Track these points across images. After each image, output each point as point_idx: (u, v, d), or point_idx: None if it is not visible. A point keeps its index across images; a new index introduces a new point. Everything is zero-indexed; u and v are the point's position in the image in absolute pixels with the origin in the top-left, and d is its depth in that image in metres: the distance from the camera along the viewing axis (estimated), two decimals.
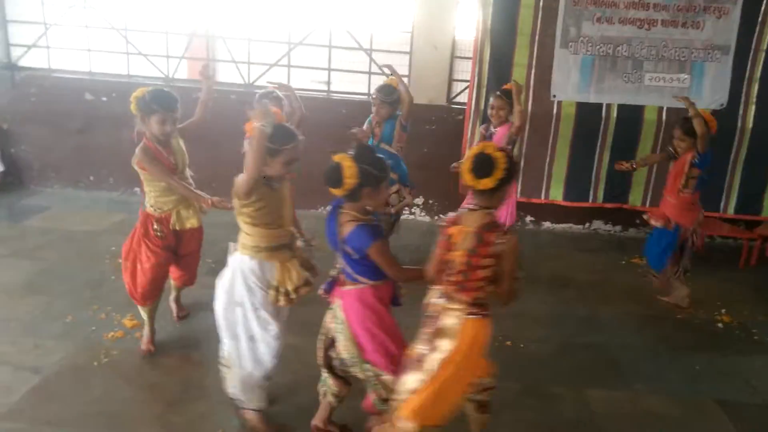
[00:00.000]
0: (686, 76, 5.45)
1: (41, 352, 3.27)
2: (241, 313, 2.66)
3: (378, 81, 5.99)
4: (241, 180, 2.48)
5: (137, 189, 3.63)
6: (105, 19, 5.87)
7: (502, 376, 3.24)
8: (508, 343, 3.67)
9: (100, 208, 5.61)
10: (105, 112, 5.80)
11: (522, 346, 3.66)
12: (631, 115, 5.49)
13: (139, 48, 5.96)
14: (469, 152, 2.34)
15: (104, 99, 5.87)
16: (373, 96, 4.47)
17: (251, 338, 2.67)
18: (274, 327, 2.66)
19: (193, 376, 3.19)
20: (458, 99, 5.91)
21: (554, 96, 5.56)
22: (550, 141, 5.64)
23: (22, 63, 6.04)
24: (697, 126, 3.88)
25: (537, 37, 5.49)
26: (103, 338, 3.46)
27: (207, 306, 3.91)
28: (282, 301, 2.64)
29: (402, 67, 5.93)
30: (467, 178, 2.24)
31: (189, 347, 3.47)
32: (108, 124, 5.70)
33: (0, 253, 4.46)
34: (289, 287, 2.65)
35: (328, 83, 6.01)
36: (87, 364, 3.21)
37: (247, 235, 2.63)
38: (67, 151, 5.94)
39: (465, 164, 2.27)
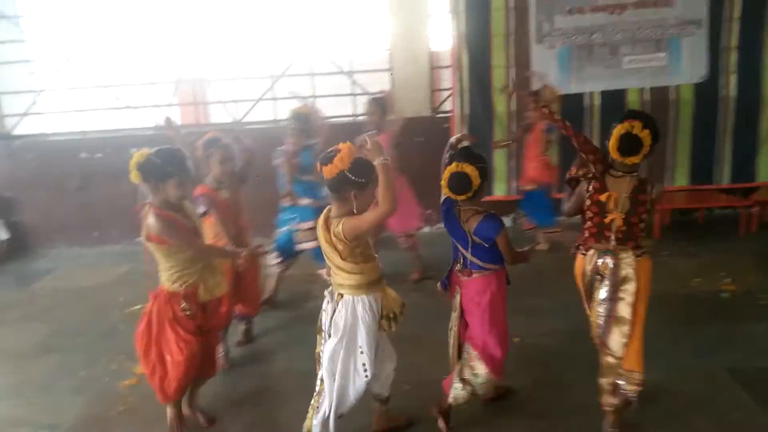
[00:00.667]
0: (663, 55, 5.49)
1: (57, 409, 3.31)
2: (346, 355, 2.56)
3: (363, 101, 6.11)
4: (369, 219, 2.40)
5: (140, 239, 3.68)
6: (91, 79, 6.03)
7: (513, 373, 3.27)
8: (516, 339, 3.64)
9: (106, 262, 5.71)
10: (101, 167, 5.93)
11: (530, 341, 3.66)
12: (613, 101, 5.52)
13: (128, 101, 6.10)
14: (615, 131, 2.57)
15: (99, 155, 6.00)
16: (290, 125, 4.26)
17: (344, 378, 2.58)
18: (369, 373, 2.58)
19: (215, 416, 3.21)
20: (443, 107, 5.98)
21: None
22: None
23: (17, 131, 6.20)
24: (548, 94, 4.41)
25: (512, 37, 5.56)
26: (118, 387, 3.50)
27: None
28: (393, 327, 2.62)
29: (386, 85, 6.04)
30: (615, 155, 2.56)
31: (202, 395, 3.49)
32: (105, 179, 5.84)
33: (11, 317, 4.56)
34: (396, 310, 2.63)
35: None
36: (104, 414, 3.25)
37: (359, 274, 2.50)
38: (68, 211, 6.07)
39: (612, 143, 2.56)
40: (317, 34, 5.99)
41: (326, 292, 2.67)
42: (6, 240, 5.89)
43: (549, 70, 5.55)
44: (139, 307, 3.69)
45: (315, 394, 2.66)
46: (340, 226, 2.41)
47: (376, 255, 2.64)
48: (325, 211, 2.56)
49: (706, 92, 5.45)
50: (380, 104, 4.47)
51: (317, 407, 2.63)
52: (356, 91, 6.03)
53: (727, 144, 5.54)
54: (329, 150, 2.43)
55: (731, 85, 5.45)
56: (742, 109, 5.45)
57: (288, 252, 4.31)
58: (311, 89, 6.02)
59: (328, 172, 2.39)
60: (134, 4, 6.49)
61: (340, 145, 2.41)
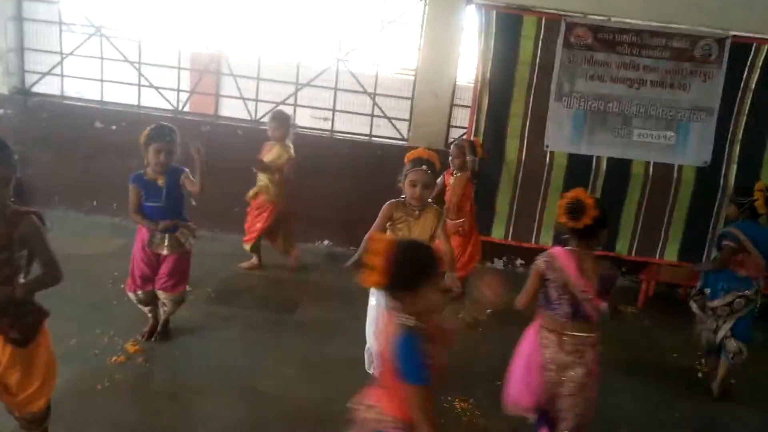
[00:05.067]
0: (672, 134, 5.75)
1: None
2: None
3: (380, 123, 6.28)
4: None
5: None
6: (117, 52, 6.09)
7: (490, 416, 3.41)
8: (498, 383, 3.79)
9: (102, 232, 5.73)
10: (113, 140, 5.97)
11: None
12: (619, 168, 5.76)
13: (151, 80, 6.18)
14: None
15: (113, 128, 6.05)
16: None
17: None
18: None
19: (194, 403, 3.28)
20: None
21: (547, 146, 5.82)
22: (542, 188, 5.87)
23: (36, 89, 6.22)
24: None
25: (533, 90, 5.78)
26: (106, 363, 3.55)
27: (205, 332, 4.06)
28: None
29: (404, 111, 6.22)
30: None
31: (188, 374, 3.57)
32: (115, 152, 5.86)
33: None
34: None
35: (332, 123, 6.24)
36: (91, 387, 3.30)
37: None
38: (72, 176, 6.08)
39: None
40: (347, 48, 6.12)
41: None
42: None
43: (562, 128, 5.77)
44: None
45: None
46: None
47: None
48: None
49: (708, 177, 5.72)
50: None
51: None
52: (376, 112, 6.19)
53: (720, 230, 5.79)
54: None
55: (731, 174, 5.73)
56: None
57: None
58: (331, 103, 6.17)
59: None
60: None
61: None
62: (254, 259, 5.33)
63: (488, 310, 4.80)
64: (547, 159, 5.83)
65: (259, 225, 5.17)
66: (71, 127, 6.05)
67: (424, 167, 3.15)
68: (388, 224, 3.27)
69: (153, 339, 3.85)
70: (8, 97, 6.07)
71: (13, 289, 2.35)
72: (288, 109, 6.17)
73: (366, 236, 3.15)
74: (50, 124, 6.08)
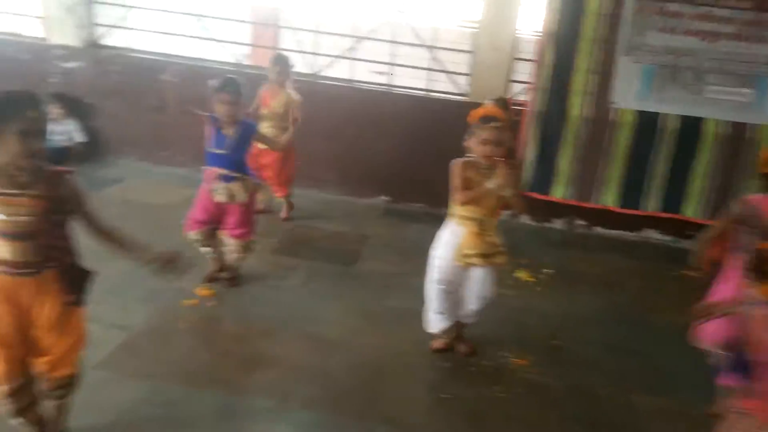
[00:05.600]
0: (748, 91, 5.45)
1: (127, 312, 3.60)
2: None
3: (439, 77, 6.21)
4: None
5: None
6: (182, 5, 6.19)
7: (548, 374, 3.46)
8: (555, 342, 3.84)
9: (172, 182, 5.95)
10: (178, 92, 6.12)
11: (569, 346, 3.82)
12: (689, 127, 5.53)
13: (213, 34, 6.27)
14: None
15: (177, 80, 6.18)
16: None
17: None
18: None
19: (262, 347, 3.46)
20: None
21: (613, 102, 5.63)
22: (606, 147, 5.72)
23: (105, 42, 6.42)
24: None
25: (600, 44, 5.57)
26: (181, 305, 3.76)
27: (271, 281, 4.23)
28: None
29: (463, 65, 6.12)
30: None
31: (256, 319, 3.74)
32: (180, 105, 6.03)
33: None
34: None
35: (390, 77, 6.22)
36: (167, 326, 3.53)
37: None
38: (142, 127, 6.31)
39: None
40: (406, 1, 6.02)
41: None
42: (81, 143, 6.17)
43: (630, 84, 5.57)
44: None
45: None
46: None
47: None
48: None
49: None
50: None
51: None
52: (434, 66, 6.11)
53: None
54: None
55: None
56: None
57: None
58: (390, 57, 6.13)
59: None
60: None
61: None
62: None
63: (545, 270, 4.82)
64: (613, 116, 5.65)
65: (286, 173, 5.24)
66: (139, 80, 6.23)
67: (496, 124, 3.13)
68: None
69: (222, 284, 4.04)
70: (82, 50, 6.29)
71: (71, 252, 2.37)
72: (346, 63, 6.18)
73: (457, 200, 3.20)
74: (120, 76, 6.28)
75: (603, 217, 5.98)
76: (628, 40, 5.53)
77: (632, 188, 5.75)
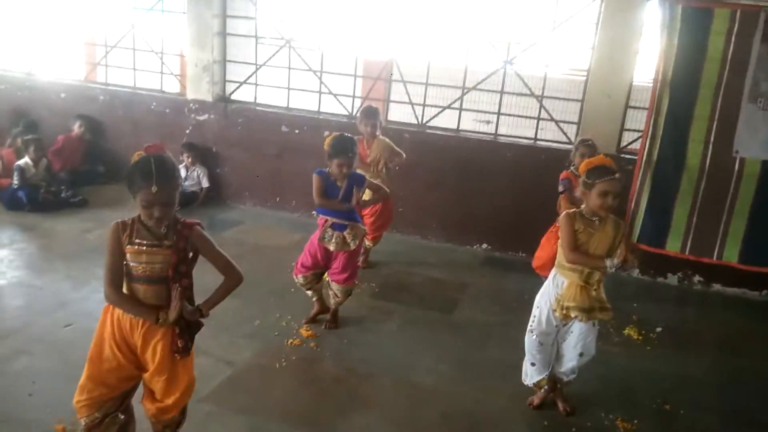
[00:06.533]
0: None
1: (235, 348, 3.85)
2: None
3: (544, 126, 6.15)
4: None
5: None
6: (304, 62, 6.68)
7: None
8: (667, 406, 3.57)
9: (284, 226, 6.34)
10: (296, 143, 6.58)
11: (682, 412, 3.54)
12: None
13: (330, 88, 6.69)
14: None
15: (297, 131, 6.65)
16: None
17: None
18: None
19: (358, 389, 3.55)
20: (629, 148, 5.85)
21: (737, 152, 5.26)
22: (729, 199, 5.32)
23: (234, 97, 7.06)
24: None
25: (722, 90, 5.25)
26: (284, 344, 3.96)
27: (369, 324, 4.34)
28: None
29: (572, 114, 6.03)
30: None
31: (353, 361, 3.85)
32: (297, 154, 6.47)
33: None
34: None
35: (497, 127, 6.25)
36: (271, 364, 3.72)
37: None
38: (261, 174, 6.81)
39: None
40: (515, 51, 6.08)
41: None
42: (206, 188, 6.77)
43: (756, 132, 5.18)
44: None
45: None
46: None
47: None
48: None
49: None
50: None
51: None
52: (543, 115, 6.07)
53: None
54: None
55: None
56: None
57: None
58: (497, 106, 6.17)
59: None
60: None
61: None
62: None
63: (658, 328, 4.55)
64: (737, 166, 5.27)
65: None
66: (261, 131, 6.77)
67: (617, 176, 3.07)
68: None
69: (323, 325, 4.21)
70: (212, 104, 6.96)
71: (198, 307, 2.49)
72: (453, 113, 6.31)
73: (566, 257, 3.14)
74: (244, 127, 6.86)
75: (723, 273, 5.53)
76: (754, 86, 5.18)
77: (757, 243, 5.26)
